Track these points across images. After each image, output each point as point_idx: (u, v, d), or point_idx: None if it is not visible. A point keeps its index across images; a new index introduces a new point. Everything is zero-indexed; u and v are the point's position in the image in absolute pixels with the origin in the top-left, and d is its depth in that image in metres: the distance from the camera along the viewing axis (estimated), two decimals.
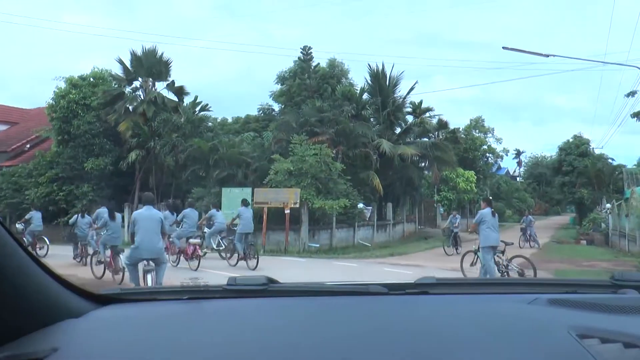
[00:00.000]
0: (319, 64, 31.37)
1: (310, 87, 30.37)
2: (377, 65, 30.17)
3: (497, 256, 12.92)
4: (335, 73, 32.24)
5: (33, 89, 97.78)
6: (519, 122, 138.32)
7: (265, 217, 22.80)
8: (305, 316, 1.57)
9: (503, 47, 17.41)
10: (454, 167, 32.87)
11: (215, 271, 14.57)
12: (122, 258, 11.02)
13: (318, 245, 23.11)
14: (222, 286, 1.74)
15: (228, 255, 16.82)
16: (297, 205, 22.32)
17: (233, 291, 1.73)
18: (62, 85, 29.39)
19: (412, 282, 1.82)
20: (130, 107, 29.13)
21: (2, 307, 1.30)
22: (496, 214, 12.99)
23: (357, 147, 27.13)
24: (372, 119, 30.61)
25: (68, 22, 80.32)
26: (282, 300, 1.73)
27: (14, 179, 30.30)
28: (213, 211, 17.50)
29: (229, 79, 79.23)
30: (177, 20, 73.91)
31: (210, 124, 30.15)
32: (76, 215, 18.09)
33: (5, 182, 30.38)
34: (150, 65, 29.18)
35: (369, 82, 30.44)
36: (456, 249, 21.60)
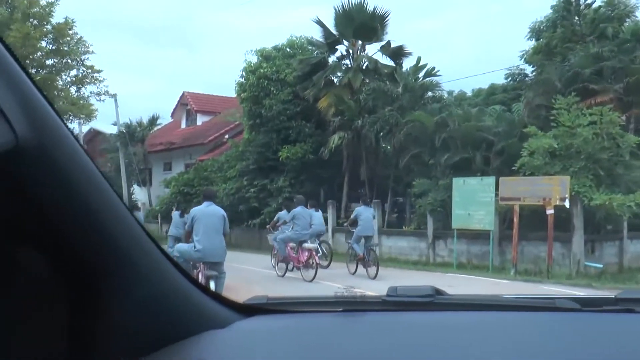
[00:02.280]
0: None
1: (580, 32, 23.87)
2: None
3: None
4: (614, 15, 25.13)
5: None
6: None
7: (515, 219, 18.10)
8: (478, 333, 1.58)
9: None
10: None
11: (329, 283, 14.27)
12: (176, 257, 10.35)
13: (601, 267, 17.14)
14: (381, 297, 1.76)
15: (326, 262, 17.79)
16: (566, 203, 17.01)
17: (394, 303, 1.75)
18: (254, 59, 28.03)
19: (612, 296, 1.76)
20: (334, 79, 26.82)
21: (145, 315, 1.36)
22: None
23: None
24: None
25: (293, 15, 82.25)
26: (450, 314, 1.75)
27: (205, 173, 29.99)
28: (312, 211, 17.47)
29: (467, 61, 73.88)
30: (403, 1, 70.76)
31: (438, 92, 25.64)
32: (177, 212, 18.46)
33: (197, 177, 30.26)
34: (359, 23, 26.00)
35: None
36: None
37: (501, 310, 1.77)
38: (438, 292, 1.77)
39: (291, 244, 16.04)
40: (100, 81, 28.03)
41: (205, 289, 1.60)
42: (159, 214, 32.57)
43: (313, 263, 15.21)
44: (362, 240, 16.68)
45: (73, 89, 27.22)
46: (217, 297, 1.64)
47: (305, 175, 26.49)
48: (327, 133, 26.05)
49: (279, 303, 1.85)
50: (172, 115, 40.18)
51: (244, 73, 27.44)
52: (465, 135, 21.52)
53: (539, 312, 1.75)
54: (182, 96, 38.71)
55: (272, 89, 26.51)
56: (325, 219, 23.43)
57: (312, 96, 25.76)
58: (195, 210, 10.22)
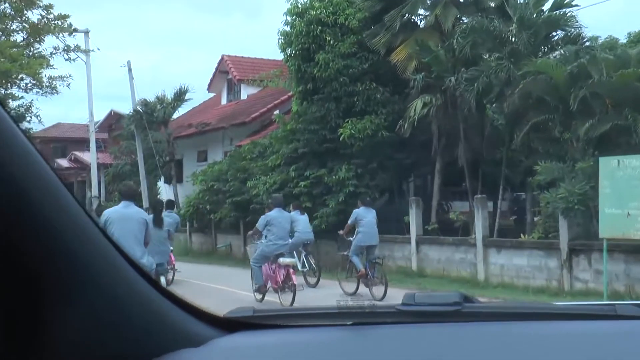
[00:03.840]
0: None
1: None
2: None
3: None
4: None
5: None
6: None
7: None
8: (519, 348, 1.63)
9: None
10: None
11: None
12: None
13: None
14: (396, 307, 1.82)
15: (315, 279, 18.65)
16: None
17: (412, 314, 1.81)
18: None
19: None
20: (415, 19, 24.55)
21: (103, 331, 1.42)
22: None
23: None
24: None
25: None
26: (483, 326, 1.80)
27: (243, 163, 27.28)
28: (294, 214, 18.16)
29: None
30: None
31: (574, 30, 21.74)
32: None
33: (231, 169, 27.71)
34: None
35: None
36: None
37: (550, 320, 1.83)
38: (467, 299, 1.83)
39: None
40: (64, 29, 24.85)
41: (178, 300, 1.65)
42: (186, 221, 30.19)
43: (291, 284, 14.93)
44: (364, 252, 16.90)
45: (18, 40, 24.22)
46: (192, 310, 1.68)
47: (378, 161, 23.54)
48: (407, 99, 22.96)
49: (269, 316, 1.90)
50: (209, 87, 38.10)
51: (288, 17, 24.53)
52: (619, 90, 17.73)
53: (598, 320, 1.82)
54: (221, 62, 36.27)
55: (328, 38, 23.68)
56: (407, 225, 21.44)
57: (384, 46, 23.05)
58: (108, 213, 10.48)
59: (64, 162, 47.23)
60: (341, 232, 18.31)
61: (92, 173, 36.95)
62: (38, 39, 24.75)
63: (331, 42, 23.68)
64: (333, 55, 23.52)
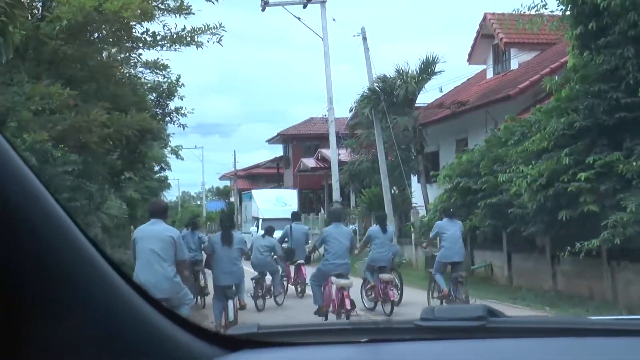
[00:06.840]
0: None
1: None
2: None
3: None
4: None
5: None
6: None
7: None
8: None
9: None
10: None
11: None
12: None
13: None
14: (414, 322, 1.79)
15: (397, 297, 17.63)
16: None
17: (431, 329, 1.78)
18: None
19: None
20: None
21: (95, 351, 1.39)
22: None
23: None
24: None
25: None
26: (511, 343, 1.76)
27: (501, 150, 20.97)
28: (374, 228, 17.46)
29: None
30: None
31: None
32: (185, 230, 18.66)
33: (485, 158, 21.68)
34: None
35: None
36: None
37: (584, 336, 1.78)
38: (492, 313, 1.77)
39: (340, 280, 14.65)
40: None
41: (177, 317, 1.61)
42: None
43: (345, 309, 13.94)
44: (449, 269, 16.16)
45: None
46: (192, 327, 1.63)
47: None
48: None
49: (275, 333, 1.86)
50: (470, 58, 32.10)
51: None
52: None
53: (635, 337, 1.77)
54: (484, 22, 30.10)
55: None
56: None
57: None
58: (136, 232, 11.20)
59: (310, 162, 44.81)
60: (424, 244, 18.51)
61: (332, 173, 32.94)
62: None
63: None
64: None
